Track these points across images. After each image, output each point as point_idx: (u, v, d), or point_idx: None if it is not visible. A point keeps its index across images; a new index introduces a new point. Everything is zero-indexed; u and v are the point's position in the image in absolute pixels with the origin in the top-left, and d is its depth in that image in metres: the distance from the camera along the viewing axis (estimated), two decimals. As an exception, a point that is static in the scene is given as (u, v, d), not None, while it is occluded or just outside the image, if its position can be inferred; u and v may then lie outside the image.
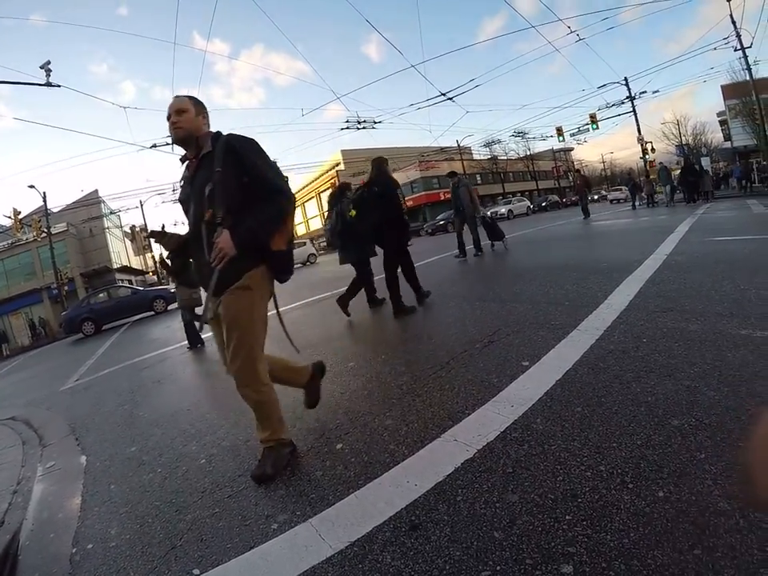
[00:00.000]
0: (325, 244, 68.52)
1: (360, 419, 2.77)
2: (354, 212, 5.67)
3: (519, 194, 51.63)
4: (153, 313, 17.72)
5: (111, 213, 39.48)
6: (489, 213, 12.16)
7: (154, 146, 19.90)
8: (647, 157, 31.11)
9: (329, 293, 9.28)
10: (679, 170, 25.13)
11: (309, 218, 78.04)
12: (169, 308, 18.11)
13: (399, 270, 5.81)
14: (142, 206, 35.50)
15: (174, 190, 31.10)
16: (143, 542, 2.02)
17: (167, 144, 19.42)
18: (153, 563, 1.86)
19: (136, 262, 47.17)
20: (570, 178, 78.07)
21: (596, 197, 54.97)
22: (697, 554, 1.31)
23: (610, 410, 2.24)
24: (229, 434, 3.02)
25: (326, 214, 6.87)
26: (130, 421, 3.93)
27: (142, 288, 21.70)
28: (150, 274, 36.82)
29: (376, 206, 5.47)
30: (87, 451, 3.46)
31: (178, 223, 57.23)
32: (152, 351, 6.92)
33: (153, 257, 41.62)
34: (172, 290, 19.69)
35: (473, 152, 56.12)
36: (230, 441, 2.91)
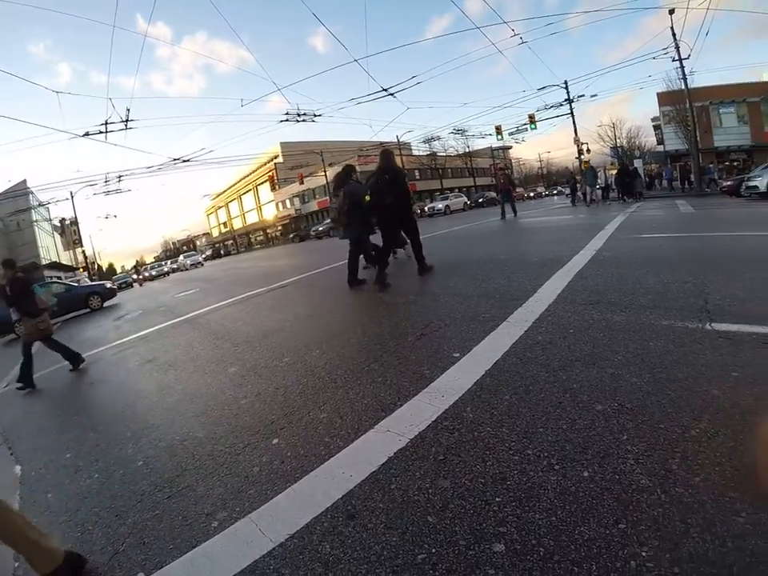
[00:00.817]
0: (274, 235, 67.62)
1: (295, 413, 2.78)
2: (368, 197, 6.44)
3: (457, 190, 52.38)
4: (88, 310, 16.83)
5: (40, 205, 37.28)
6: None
7: (87, 134, 18.98)
8: (582, 157, 32.42)
9: (263, 288, 9.21)
10: (616, 171, 26.28)
11: (246, 211, 76.75)
12: (105, 305, 17.30)
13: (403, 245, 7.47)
14: (72, 197, 33.69)
15: (106, 181, 29.79)
16: (85, 550, 1.95)
17: (100, 132, 18.63)
18: (97, 570, 1.81)
19: (66, 258, 44.86)
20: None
21: (531, 194, 56.76)
22: (622, 527, 1.41)
23: (537, 398, 2.35)
24: (165, 435, 2.95)
25: (334, 198, 7.16)
26: (64, 426, 3.77)
27: (76, 284, 20.30)
28: (81, 270, 35.00)
29: (389, 191, 6.25)
30: (21, 460, 3.29)
31: (110, 216, 54.95)
32: (84, 352, 6.61)
33: (83, 252, 39.74)
34: (108, 285, 18.72)
35: (412, 148, 56.33)
36: (166, 441, 2.85)
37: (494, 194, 48.82)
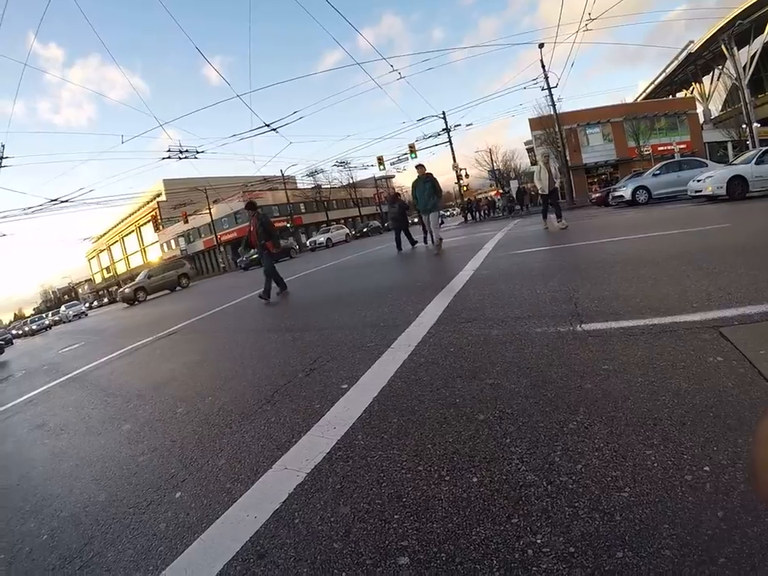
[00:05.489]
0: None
1: (194, 464, 2.75)
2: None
3: (342, 221, 53.49)
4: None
5: None
6: None
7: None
8: (461, 182, 34.84)
9: (150, 338, 8.79)
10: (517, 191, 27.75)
11: (129, 253, 73.48)
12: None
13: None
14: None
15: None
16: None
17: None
18: None
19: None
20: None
21: (416, 220, 59.57)
22: (515, 522, 1.57)
23: (423, 416, 2.52)
24: (66, 504, 2.79)
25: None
26: (-44, 507, 3.44)
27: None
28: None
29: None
30: None
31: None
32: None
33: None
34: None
35: (297, 181, 56.91)
36: (68, 510, 2.70)
37: (378, 224, 49.61)
